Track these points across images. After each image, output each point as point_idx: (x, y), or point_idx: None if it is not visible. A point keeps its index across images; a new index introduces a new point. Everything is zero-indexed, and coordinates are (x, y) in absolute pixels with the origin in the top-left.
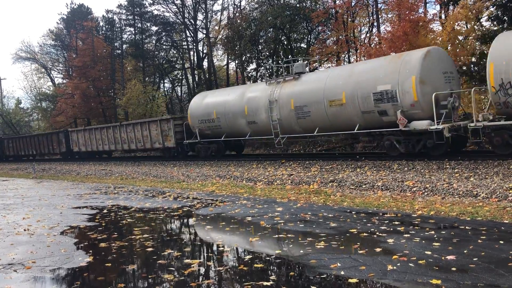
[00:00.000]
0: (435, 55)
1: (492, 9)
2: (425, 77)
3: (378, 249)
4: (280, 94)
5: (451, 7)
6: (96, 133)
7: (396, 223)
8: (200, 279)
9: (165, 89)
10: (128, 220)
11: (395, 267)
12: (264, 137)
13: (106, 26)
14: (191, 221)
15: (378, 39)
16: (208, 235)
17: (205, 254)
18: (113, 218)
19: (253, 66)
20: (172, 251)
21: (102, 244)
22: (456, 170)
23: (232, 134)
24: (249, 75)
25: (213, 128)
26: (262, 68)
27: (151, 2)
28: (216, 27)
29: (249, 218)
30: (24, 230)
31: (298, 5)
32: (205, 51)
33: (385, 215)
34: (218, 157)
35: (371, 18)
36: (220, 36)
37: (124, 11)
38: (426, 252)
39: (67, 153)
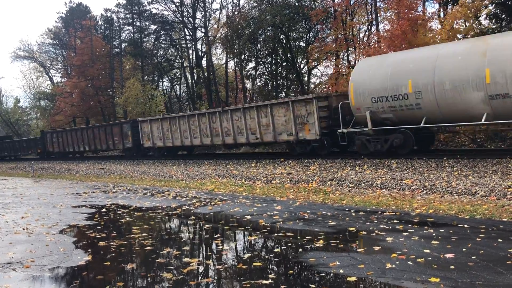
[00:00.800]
0: None
1: (491, 7)
2: None
3: (377, 248)
4: None
5: (449, 6)
6: (182, 122)
7: (395, 221)
8: (199, 278)
9: (164, 88)
10: (127, 219)
11: (394, 266)
12: None
13: (105, 25)
14: (190, 220)
15: (377, 38)
16: (207, 233)
17: (204, 253)
18: (112, 217)
19: (252, 64)
20: (171, 250)
21: (101, 243)
22: (455, 169)
23: (441, 118)
24: (248, 73)
25: (402, 110)
26: (261, 66)
27: (150, 0)
28: (215, 26)
29: (248, 217)
30: (23, 229)
31: (297, 4)
32: (204, 50)
33: (384, 213)
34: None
35: (370, 16)
36: (219, 35)
37: (122, 10)
38: (425, 250)
39: (134, 149)
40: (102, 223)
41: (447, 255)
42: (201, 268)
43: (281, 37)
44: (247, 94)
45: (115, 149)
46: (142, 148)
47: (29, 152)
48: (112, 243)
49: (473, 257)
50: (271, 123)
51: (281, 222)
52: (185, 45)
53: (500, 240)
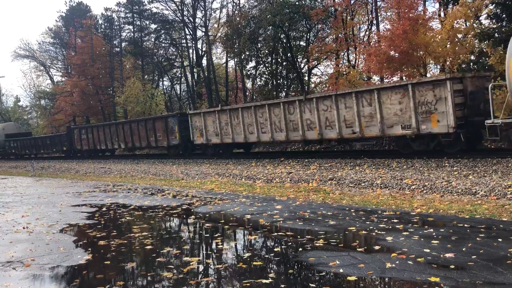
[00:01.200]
0: None
1: (491, 7)
2: None
3: (377, 247)
4: None
5: (450, 5)
6: (246, 115)
7: (395, 221)
8: (200, 277)
9: (164, 87)
10: (127, 218)
11: (393, 265)
12: None
13: (105, 24)
14: (190, 219)
15: (377, 37)
16: (207, 233)
17: (204, 252)
18: (112, 216)
19: (252, 64)
20: (171, 249)
21: (101, 242)
22: (455, 168)
23: None
24: (248, 73)
25: None
26: (261, 66)
27: (150, 0)
28: (215, 25)
29: (248, 216)
30: (23, 228)
31: (297, 3)
32: (204, 49)
33: (384, 213)
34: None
35: (370, 16)
36: (219, 34)
37: (123, 9)
38: (425, 249)
39: (181, 146)
40: (102, 222)
41: (447, 255)
42: (201, 267)
43: (281, 36)
44: (247, 93)
45: (158, 146)
46: (192, 145)
47: (53, 150)
48: (112, 242)
49: (473, 257)
50: (377, 112)
51: (281, 222)
52: (185, 45)
53: (500, 239)
